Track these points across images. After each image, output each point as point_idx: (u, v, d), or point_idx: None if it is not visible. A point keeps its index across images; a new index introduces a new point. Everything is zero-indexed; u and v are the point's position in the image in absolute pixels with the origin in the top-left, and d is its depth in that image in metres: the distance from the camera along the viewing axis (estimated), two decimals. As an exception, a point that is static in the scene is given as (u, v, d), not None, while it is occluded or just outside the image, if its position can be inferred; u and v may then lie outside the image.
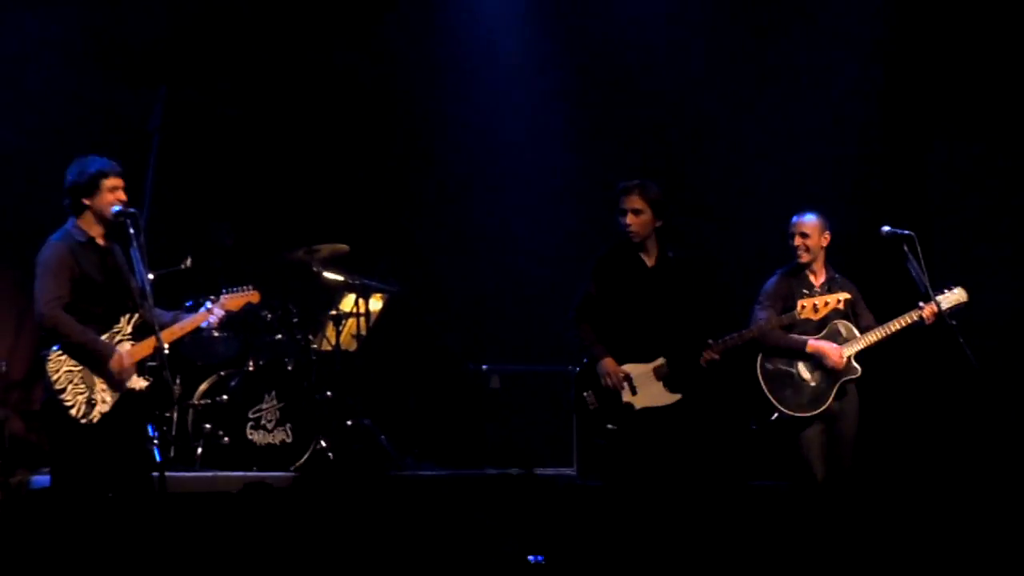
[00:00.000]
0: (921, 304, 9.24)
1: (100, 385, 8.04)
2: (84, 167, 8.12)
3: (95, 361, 8.03)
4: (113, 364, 8.03)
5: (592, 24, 12.44)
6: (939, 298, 9.23)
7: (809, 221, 9.42)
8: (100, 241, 8.18)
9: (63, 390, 7.98)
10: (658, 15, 12.16)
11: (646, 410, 8.89)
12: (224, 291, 8.81)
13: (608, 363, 8.87)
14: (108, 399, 8.04)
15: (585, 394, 8.91)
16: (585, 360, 9.00)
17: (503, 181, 12.58)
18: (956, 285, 9.34)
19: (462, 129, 12.56)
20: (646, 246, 9.01)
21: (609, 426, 8.88)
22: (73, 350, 8.01)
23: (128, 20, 11.40)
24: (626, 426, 8.85)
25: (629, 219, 8.93)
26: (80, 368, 8.02)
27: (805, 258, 9.41)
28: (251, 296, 8.91)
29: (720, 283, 10.86)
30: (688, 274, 9.14)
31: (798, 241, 9.41)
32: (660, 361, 8.95)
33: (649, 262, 9.02)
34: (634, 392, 8.88)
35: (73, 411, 7.96)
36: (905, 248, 9.21)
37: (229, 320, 9.08)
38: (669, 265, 9.06)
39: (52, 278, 8.01)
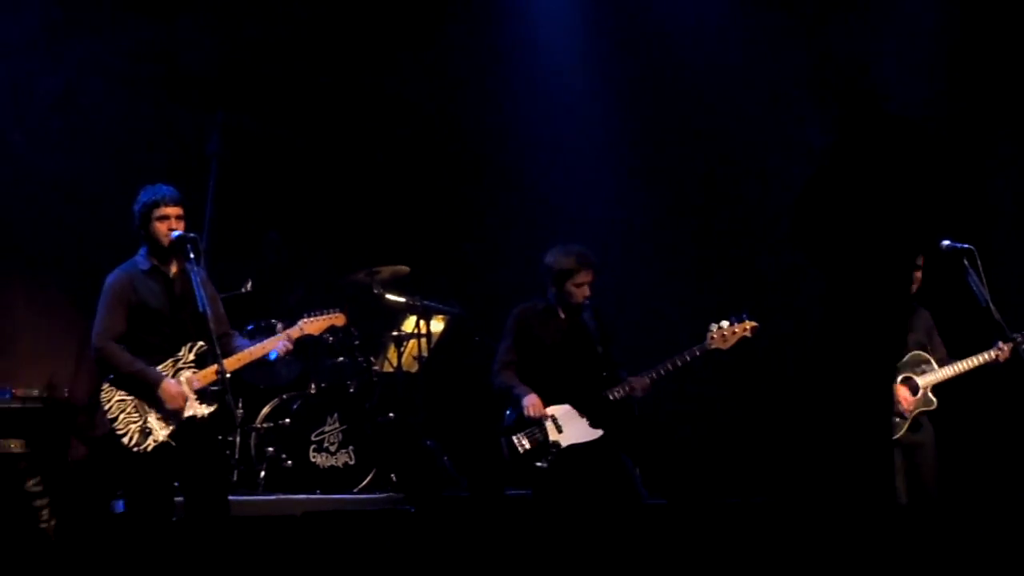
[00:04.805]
0: (1000, 344, 9.08)
1: (155, 415, 8.06)
2: (139, 197, 8.19)
3: (145, 391, 8.06)
4: (162, 392, 8.04)
5: (651, 41, 12.36)
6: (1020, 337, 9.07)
7: None
8: (167, 268, 8.20)
9: (115, 419, 8.03)
10: (720, 29, 12.06)
11: (572, 447, 9.29)
12: (306, 314, 8.79)
13: (534, 397, 9.35)
14: (164, 428, 8.05)
15: (514, 438, 9.28)
16: (509, 411, 9.41)
17: (562, 200, 12.53)
18: None
19: (521, 149, 12.53)
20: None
21: (538, 464, 9.24)
22: (122, 381, 8.08)
23: (185, 45, 11.45)
24: (554, 463, 9.24)
25: (587, 291, 9.50)
26: (132, 398, 8.05)
27: (914, 289, 9.14)
28: (335, 319, 8.89)
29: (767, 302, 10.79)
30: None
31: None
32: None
33: (562, 314, 9.58)
34: (560, 431, 9.30)
35: (125, 440, 8.01)
36: (965, 262, 9.07)
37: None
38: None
39: (106, 310, 8.14)
